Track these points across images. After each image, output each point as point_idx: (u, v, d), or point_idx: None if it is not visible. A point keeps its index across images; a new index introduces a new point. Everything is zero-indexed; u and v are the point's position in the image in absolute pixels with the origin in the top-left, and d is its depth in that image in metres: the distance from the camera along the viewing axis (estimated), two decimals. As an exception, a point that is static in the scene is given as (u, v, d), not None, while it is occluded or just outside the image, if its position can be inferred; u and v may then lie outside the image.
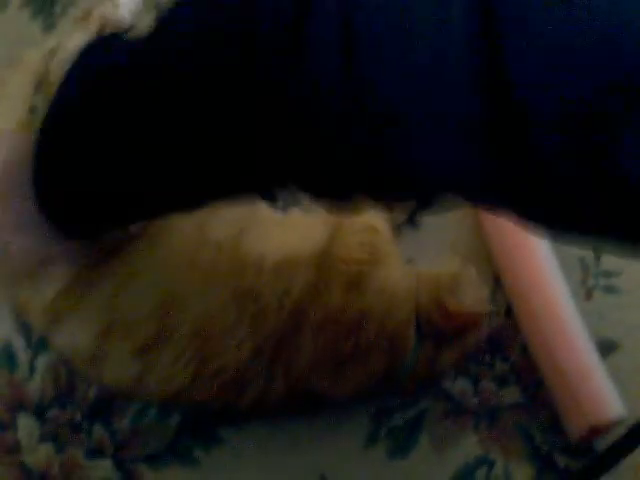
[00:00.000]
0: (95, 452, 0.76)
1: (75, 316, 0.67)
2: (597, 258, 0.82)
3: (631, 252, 0.42)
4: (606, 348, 0.79)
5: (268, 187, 0.49)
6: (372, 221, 0.74)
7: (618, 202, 0.37)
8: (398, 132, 0.40)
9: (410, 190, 0.45)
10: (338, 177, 0.45)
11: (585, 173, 0.37)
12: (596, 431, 0.74)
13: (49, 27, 0.94)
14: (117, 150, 0.48)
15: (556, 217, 0.42)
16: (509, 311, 0.81)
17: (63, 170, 0.51)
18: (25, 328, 0.78)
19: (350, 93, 0.40)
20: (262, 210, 0.73)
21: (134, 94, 0.46)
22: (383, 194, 0.46)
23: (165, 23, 0.47)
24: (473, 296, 0.72)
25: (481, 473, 0.76)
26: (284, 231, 0.72)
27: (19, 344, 0.79)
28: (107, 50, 0.49)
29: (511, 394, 0.79)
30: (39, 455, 0.76)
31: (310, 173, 0.46)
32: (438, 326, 0.70)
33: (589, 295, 0.81)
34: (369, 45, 0.39)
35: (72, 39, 0.87)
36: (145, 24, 0.47)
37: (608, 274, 0.82)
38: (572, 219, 0.41)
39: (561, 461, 0.76)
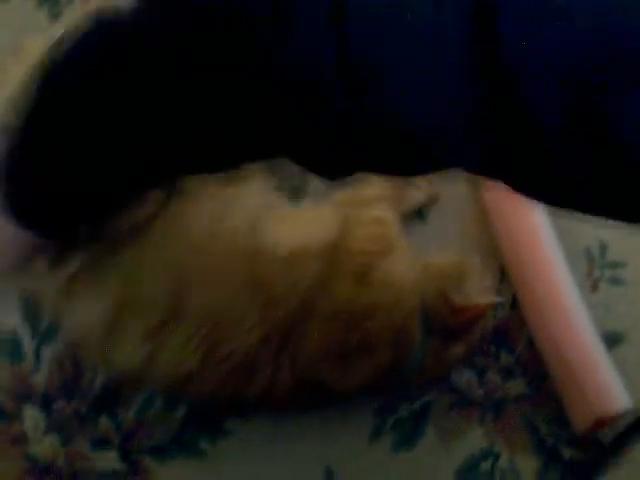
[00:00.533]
0: (101, 443, 0.76)
1: (88, 297, 0.66)
2: (603, 249, 0.82)
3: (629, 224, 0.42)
4: (612, 340, 0.79)
5: (268, 156, 0.49)
6: (380, 214, 0.74)
7: (617, 172, 0.37)
8: (394, 101, 0.40)
9: (406, 158, 0.44)
10: (330, 149, 0.45)
11: (585, 141, 0.37)
12: (601, 423, 0.74)
13: (55, 16, 0.94)
14: (110, 119, 0.48)
15: (556, 192, 0.41)
16: (515, 303, 0.81)
17: (53, 147, 0.50)
18: (31, 319, 0.78)
19: (341, 70, 0.40)
20: (276, 201, 0.73)
21: (128, 72, 0.46)
22: (380, 166, 0.46)
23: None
24: (479, 288, 0.72)
25: (486, 465, 0.76)
26: (297, 222, 0.73)
27: (25, 336, 0.79)
28: (102, 32, 0.49)
29: (516, 386, 0.79)
30: (45, 446, 0.76)
31: (304, 149, 0.46)
32: (445, 322, 0.70)
33: (595, 287, 0.81)
34: (360, 19, 0.39)
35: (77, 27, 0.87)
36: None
37: (614, 266, 0.82)
38: (571, 193, 0.41)
39: (566, 453, 0.76)
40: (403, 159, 0.44)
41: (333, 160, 0.46)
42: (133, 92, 0.46)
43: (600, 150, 0.37)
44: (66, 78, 0.49)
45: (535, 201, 0.43)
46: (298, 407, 0.74)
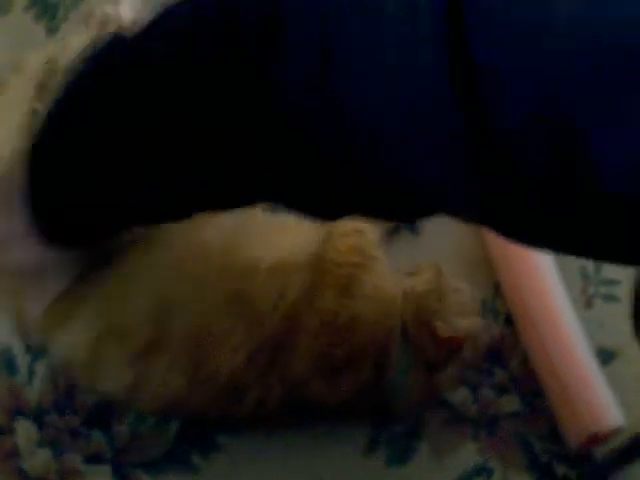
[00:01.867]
0: (93, 458, 0.76)
1: (70, 325, 0.66)
2: (597, 267, 0.82)
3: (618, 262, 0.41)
4: (606, 356, 0.79)
5: (254, 201, 0.49)
6: (360, 224, 0.73)
7: (594, 200, 0.37)
8: (378, 148, 0.40)
9: (390, 206, 0.44)
10: (320, 197, 0.45)
11: (557, 168, 0.37)
12: (595, 440, 0.74)
13: (53, 30, 0.94)
14: (109, 152, 0.48)
15: (538, 234, 0.41)
16: (509, 319, 0.81)
17: (65, 170, 0.50)
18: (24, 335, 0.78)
19: (328, 112, 0.40)
20: (256, 214, 0.72)
21: (125, 97, 0.46)
22: (367, 212, 0.46)
23: (154, 26, 0.47)
24: (461, 309, 0.71)
25: (480, 481, 0.76)
26: (278, 235, 0.72)
27: (18, 349, 0.79)
28: (105, 55, 0.49)
29: (510, 403, 0.79)
30: (37, 460, 0.76)
31: (290, 192, 0.46)
32: (429, 353, 0.70)
33: (589, 303, 0.81)
34: (344, 63, 0.39)
35: (74, 40, 0.88)
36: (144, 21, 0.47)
37: (608, 282, 0.82)
38: (553, 234, 0.41)
39: (560, 470, 0.76)
40: (389, 207, 0.44)
41: (322, 207, 0.46)
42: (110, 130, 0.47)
43: (579, 185, 0.36)
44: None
45: (527, 246, 0.43)
46: (287, 423, 0.74)
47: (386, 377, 0.70)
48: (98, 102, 0.48)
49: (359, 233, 0.72)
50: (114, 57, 0.48)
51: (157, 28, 0.47)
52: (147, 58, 0.46)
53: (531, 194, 0.38)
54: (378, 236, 0.74)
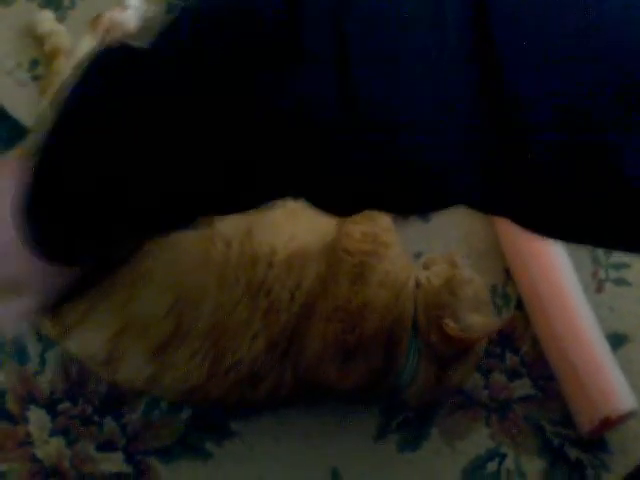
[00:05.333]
0: (106, 445, 0.76)
1: (85, 326, 0.67)
2: (608, 250, 0.82)
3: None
4: (617, 341, 0.79)
5: (270, 199, 0.49)
6: (374, 211, 0.73)
7: (620, 207, 0.37)
8: (397, 143, 0.40)
9: (409, 200, 0.44)
10: (338, 192, 0.44)
11: (584, 179, 0.37)
12: (607, 424, 0.74)
13: (58, 20, 0.94)
14: (114, 157, 0.47)
15: (555, 226, 0.41)
16: (520, 304, 0.81)
17: (68, 186, 0.49)
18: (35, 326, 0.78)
19: (347, 114, 0.39)
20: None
21: (135, 108, 0.46)
22: (385, 206, 0.46)
23: (166, 35, 0.46)
24: (475, 305, 0.71)
25: (492, 466, 0.76)
26: (294, 224, 0.72)
27: (29, 338, 0.79)
28: (112, 65, 0.48)
29: (522, 387, 0.79)
30: (50, 448, 0.76)
31: (311, 188, 0.45)
32: (438, 350, 0.70)
33: (600, 288, 0.81)
34: (364, 62, 0.39)
35: (82, 44, 0.88)
36: (151, 27, 0.47)
37: (619, 267, 0.82)
38: (571, 227, 0.41)
39: (572, 454, 0.76)
40: (405, 197, 0.44)
41: (341, 201, 0.46)
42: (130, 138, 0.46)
43: (601, 183, 0.36)
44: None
45: (542, 236, 0.43)
46: (300, 408, 0.74)
47: (396, 365, 0.70)
48: (106, 111, 0.47)
49: (372, 220, 0.72)
50: (123, 64, 0.47)
51: (171, 33, 0.46)
52: (161, 60, 0.45)
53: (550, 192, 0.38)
54: (391, 222, 0.74)
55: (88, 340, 0.68)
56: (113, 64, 0.47)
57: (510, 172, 0.39)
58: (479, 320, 0.69)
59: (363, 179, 0.42)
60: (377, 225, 0.72)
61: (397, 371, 0.70)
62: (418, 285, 0.72)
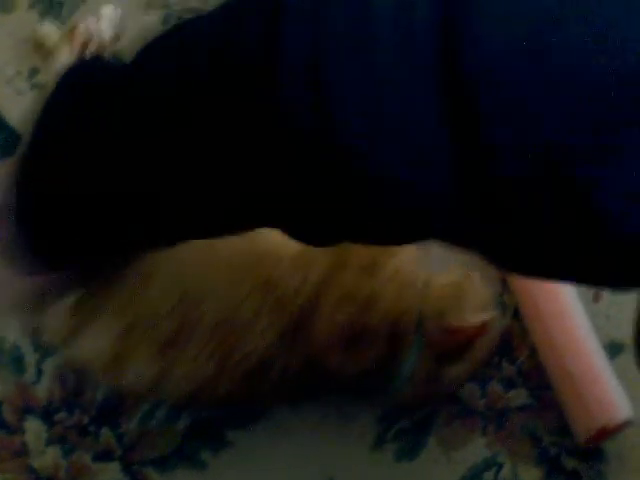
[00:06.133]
0: (103, 455, 0.76)
1: (92, 327, 0.67)
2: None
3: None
4: (614, 349, 0.78)
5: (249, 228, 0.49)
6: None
7: (596, 241, 0.37)
8: (369, 175, 0.40)
9: (383, 232, 0.44)
10: (315, 226, 0.44)
11: (557, 213, 0.37)
12: (604, 433, 0.74)
13: (58, 28, 0.94)
14: (102, 173, 0.47)
15: (529, 262, 0.41)
16: (517, 313, 0.81)
17: (49, 200, 0.49)
18: (32, 334, 0.78)
19: (321, 138, 0.39)
20: None
21: (115, 122, 0.46)
22: (358, 237, 0.46)
23: (145, 56, 0.46)
24: (477, 305, 0.71)
25: (489, 475, 0.76)
26: None
27: (27, 347, 0.79)
28: (90, 77, 0.48)
29: (519, 396, 0.79)
30: (47, 458, 0.76)
31: (286, 220, 0.45)
32: (440, 343, 0.70)
33: (597, 296, 0.81)
34: (337, 88, 0.39)
35: (59, 55, 0.88)
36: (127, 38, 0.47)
37: (616, 275, 0.82)
38: (542, 263, 0.41)
39: (569, 463, 0.76)
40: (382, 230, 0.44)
41: (317, 233, 0.45)
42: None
43: (573, 211, 0.36)
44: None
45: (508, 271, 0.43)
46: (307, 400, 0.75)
47: (399, 356, 0.70)
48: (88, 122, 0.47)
49: None
50: (91, 81, 0.47)
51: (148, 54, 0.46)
52: (145, 73, 0.45)
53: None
54: None
55: (94, 341, 0.68)
56: (82, 81, 0.47)
57: (479, 195, 0.38)
58: (480, 315, 0.70)
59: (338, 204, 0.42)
60: None
61: (400, 361, 0.71)
62: (426, 285, 0.72)
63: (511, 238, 0.39)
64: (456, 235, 0.42)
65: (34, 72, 0.93)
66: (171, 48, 0.45)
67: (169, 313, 0.67)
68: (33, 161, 0.49)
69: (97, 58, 0.48)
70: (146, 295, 0.67)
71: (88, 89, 0.47)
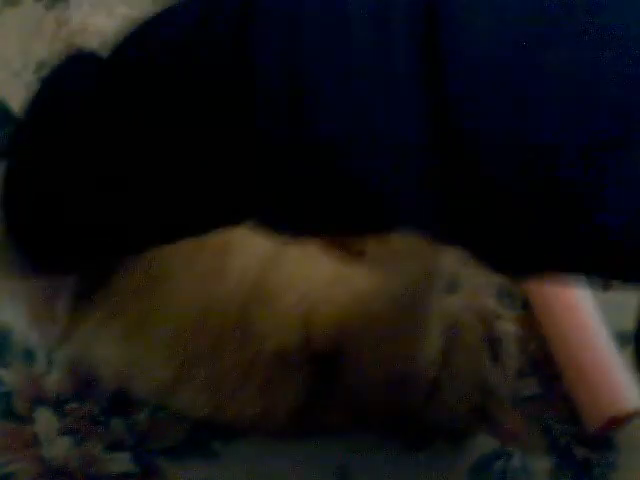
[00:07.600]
0: (114, 445, 0.77)
1: (101, 335, 0.67)
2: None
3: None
4: (624, 339, 0.78)
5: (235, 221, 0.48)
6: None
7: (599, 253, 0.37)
8: (350, 172, 0.40)
9: (363, 224, 0.44)
10: (290, 213, 0.44)
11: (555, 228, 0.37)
12: (614, 422, 0.74)
13: (63, 22, 0.94)
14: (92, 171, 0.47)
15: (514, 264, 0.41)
16: (526, 303, 0.81)
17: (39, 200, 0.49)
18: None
19: (299, 148, 0.39)
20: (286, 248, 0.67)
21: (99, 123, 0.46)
22: (338, 230, 0.46)
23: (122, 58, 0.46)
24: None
25: (499, 465, 0.76)
26: (311, 267, 0.68)
27: (36, 338, 0.79)
28: (75, 76, 0.48)
29: (528, 386, 0.79)
30: (58, 449, 0.76)
31: (265, 209, 0.45)
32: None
33: (607, 285, 0.81)
34: (315, 100, 0.39)
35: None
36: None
37: (625, 265, 0.82)
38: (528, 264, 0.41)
39: (579, 453, 0.76)
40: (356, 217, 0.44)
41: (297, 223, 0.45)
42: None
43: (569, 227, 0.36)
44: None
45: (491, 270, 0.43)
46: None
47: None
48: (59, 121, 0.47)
49: None
50: (82, 74, 0.47)
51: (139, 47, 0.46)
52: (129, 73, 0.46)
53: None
54: None
55: (103, 352, 0.68)
56: (73, 73, 0.48)
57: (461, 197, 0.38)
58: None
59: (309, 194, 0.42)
60: None
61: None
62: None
63: (494, 236, 0.39)
64: (438, 231, 0.42)
65: (41, 65, 0.93)
66: (142, 45, 0.45)
67: (164, 363, 0.67)
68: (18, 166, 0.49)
69: (91, 54, 0.48)
70: (142, 338, 0.67)
71: (63, 96, 0.47)
